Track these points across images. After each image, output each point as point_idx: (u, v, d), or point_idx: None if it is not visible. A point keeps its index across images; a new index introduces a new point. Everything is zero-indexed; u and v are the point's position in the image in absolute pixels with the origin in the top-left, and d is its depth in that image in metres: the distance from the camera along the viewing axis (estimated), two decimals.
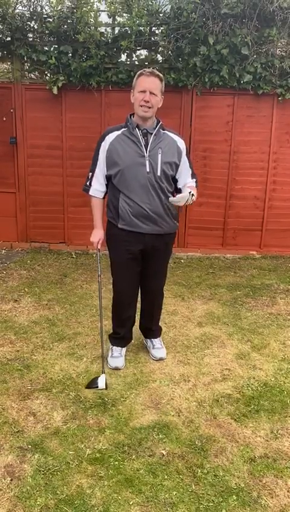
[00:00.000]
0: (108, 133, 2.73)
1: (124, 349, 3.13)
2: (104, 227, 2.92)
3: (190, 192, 2.61)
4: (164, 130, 2.75)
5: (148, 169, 2.67)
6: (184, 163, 2.80)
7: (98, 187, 2.82)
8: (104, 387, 2.74)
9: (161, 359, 3.11)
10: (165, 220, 2.79)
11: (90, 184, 2.82)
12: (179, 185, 2.85)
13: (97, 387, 2.74)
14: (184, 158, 2.80)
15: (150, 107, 2.61)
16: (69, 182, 5.43)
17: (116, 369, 2.99)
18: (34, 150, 5.39)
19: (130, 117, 2.73)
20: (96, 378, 2.80)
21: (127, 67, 5.01)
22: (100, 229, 2.88)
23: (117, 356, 3.06)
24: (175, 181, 2.83)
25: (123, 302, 3.00)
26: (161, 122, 2.75)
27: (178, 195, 2.64)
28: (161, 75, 2.66)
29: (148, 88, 2.59)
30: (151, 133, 2.69)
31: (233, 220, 5.56)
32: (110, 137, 2.70)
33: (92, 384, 2.77)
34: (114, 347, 3.11)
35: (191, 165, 2.86)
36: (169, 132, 2.78)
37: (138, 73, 2.67)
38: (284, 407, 2.64)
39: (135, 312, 3.12)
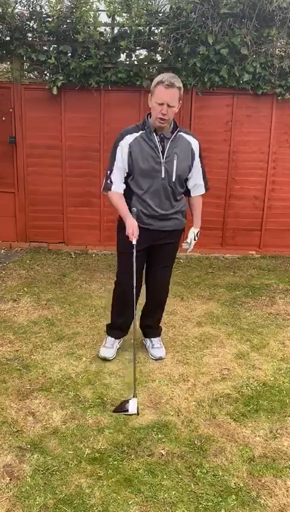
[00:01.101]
0: (127, 134, 2.73)
1: (116, 342, 3.18)
2: (116, 220, 2.95)
3: (194, 233, 2.97)
4: (180, 132, 2.76)
5: (163, 175, 2.72)
6: (197, 164, 2.85)
7: (118, 184, 2.79)
8: (136, 412, 2.50)
9: (160, 358, 3.12)
10: (175, 217, 2.87)
11: (111, 182, 2.78)
12: (189, 186, 2.90)
13: (127, 411, 2.51)
14: (197, 159, 2.83)
15: (166, 120, 2.62)
16: (69, 181, 5.43)
17: (104, 359, 3.06)
18: (33, 150, 5.39)
19: (148, 118, 2.73)
20: (126, 401, 2.57)
21: (126, 67, 5.00)
22: (131, 218, 2.73)
23: (109, 347, 3.13)
24: (186, 181, 2.87)
25: (125, 292, 3.00)
26: (177, 126, 2.75)
27: (186, 242, 2.96)
28: (180, 84, 2.59)
29: (167, 101, 2.56)
30: (168, 138, 2.70)
31: (232, 220, 5.56)
32: (129, 139, 2.71)
33: (121, 408, 2.54)
34: (108, 337, 3.19)
35: (203, 165, 2.89)
36: (184, 134, 2.79)
37: (157, 80, 2.59)
38: (283, 406, 2.64)
39: (134, 308, 3.09)
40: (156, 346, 3.19)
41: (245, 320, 3.78)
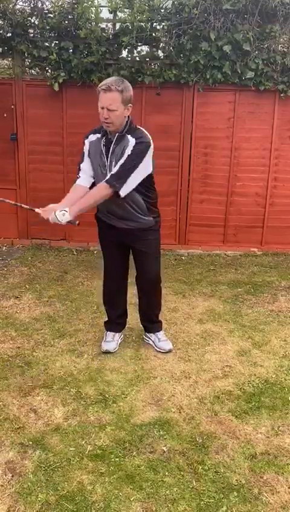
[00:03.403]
0: (91, 133, 2.86)
1: (117, 335, 3.24)
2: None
3: (55, 213, 2.73)
4: (127, 133, 2.70)
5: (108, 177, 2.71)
6: (123, 158, 2.68)
7: (84, 178, 2.87)
8: None
9: (169, 351, 3.15)
10: (132, 219, 2.86)
11: (79, 171, 2.89)
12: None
13: None
14: (125, 155, 2.67)
15: (110, 123, 2.65)
16: (70, 178, 5.38)
17: (107, 352, 3.11)
18: (34, 147, 5.38)
19: None
20: None
21: (128, 64, 4.98)
22: (57, 205, 2.80)
23: (109, 341, 3.19)
24: None
25: (109, 286, 3.21)
26: (129, 125, 2.70)
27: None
28: (118, 87, 2.57)
29: (105, 105, 2.61)
30: (112, 141, 2.73)
31: (234, 217, 5.54)
32: (91, 138, 2.84)
33: None
34: (107, 332, 3.25)
35: (125, 162, 2.66)
36: (128, 134, 2.70)
37: (99, 85, 2.66)
38: (285, 404, 2.64)
39: (125, 299, 3.25)
40: (163, 339, 3.22)
41: (247, 317, 3.78)
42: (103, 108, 2.62)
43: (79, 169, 2.89)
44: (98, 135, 2.80)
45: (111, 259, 3.12)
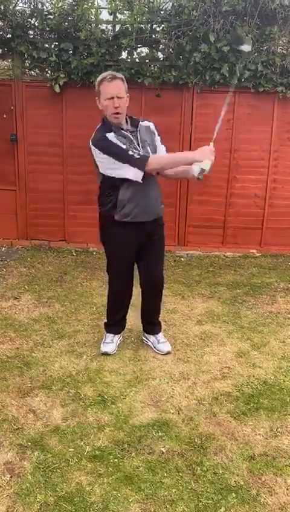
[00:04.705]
0: (104, 133, 2.71)
1: (116, 336, 3.24)
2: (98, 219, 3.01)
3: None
4: (138, 121, 2.85)
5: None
6: (158, 141, 2.93)
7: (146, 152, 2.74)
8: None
9: (168, 353, 3.15)
10: (157, 204, 2.91)
11: (139, 154, 2.65)
12: None
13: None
14: (157, 137, 2.92)
15: (120, 113, 2.69)
16: (70, 179, 5.42)
17: (105, 354, 3.10)
18: (34, 148, 5.38)
19: (106, 120, 2.79)
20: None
21: (128, 65, 4.98)
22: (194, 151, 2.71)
23: (109, 342, 3.19)
24: None
25: (118, 293, 3.17)
26: (133, 117, 2.85)
27: (197, 165, 2.59)
28: (121, 75, 2.73)
29: (114, 93, 2.64)
30: (134, 131, 2.78)
31: (233, 218, 5.55)
32: (110, 135, 2.70)
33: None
34: (107, 334, 3.25)
35: (162, 141, 2.96)
36: (142, 122, 2.87)
37: (98, 80, 2.71)
38: (284, 405, 2.64)
39: (129, 302, 3.22)
40: (162, 341, 3.22)
41: (246, 318, 3.78)
42: (112, 98, 2.64)
43: (132, 153, 2.64)
44: (110, 133, 2.69)
45: (123, 278, 3.05)
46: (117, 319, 3.23)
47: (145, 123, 2.89)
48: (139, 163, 2.64)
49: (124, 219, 2.79)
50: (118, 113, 2.68)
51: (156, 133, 2.93)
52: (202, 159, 2.59)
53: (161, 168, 2.79)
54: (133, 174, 2.66)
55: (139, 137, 2.78)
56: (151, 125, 2.92)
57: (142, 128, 2.85)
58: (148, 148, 2.79)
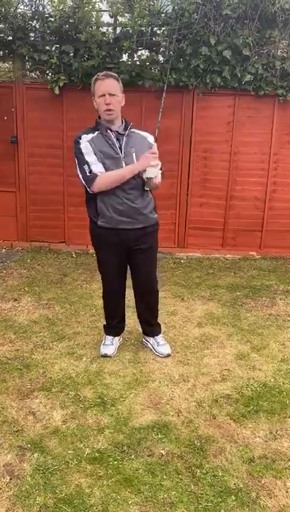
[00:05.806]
0: (82, 134, 2.77)
1: (116, 339, 3.24)
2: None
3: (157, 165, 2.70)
4: (133, 129, 2.84)
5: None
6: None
7: (97, 167, 2.72)
8: None
9: (168, 355, 3.14)
10: (142, 214, 2.85)
11: (90, 172, 2.70)
12: None
13: None
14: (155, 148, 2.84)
15: (112, 109, 2.69)
16: (70, 181, 5.42)
17: (105, 356, 3.11)
18: (34, 150, 5.39)
19: (99, 119, 2.81)
20: None
21: (128, 68, 5.00)
22: (130, 165, 2.73)
23: (108, 344, 3.20)
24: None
25: (111, 299, 3.18)
26: (130, 123, 2.83)
27: (148, 169, 2.70)
28: (115, 75, 2.75)
29: (107, 91, 2.66)
30: (123, 134, 2.77)
31: (233, 221, 5.56)
32: (87, 138, 2.75)
33: None
34: (107, 336, 3.26)
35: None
36: (137, 130, 2.87)
37: (93, 79, 2.74)
38: (284, 408, 2.64)
39: (124, 308, 3.23)
40: (162, 343, 3.22)
41: (246, 321, 3.79)
42: (103, 95, 2.67)
43: (87, 169, 2.71)
44: (92, 135, 2.74)
45: (112, 278, 3.06)
46: (115, 320, 3.23)
47: (143, 133, 2.89)
48: (87, 179, 2.73)
49: (106, 225, 2.82)
50: (109, 110, 2.69)
51: (155, 146, 2.81)
52: (144, 168, 2.70)
53: (108, 187, 2.72)
54: (84, 183, 2.77)
55: (124, 142, 2.76)
56: (150, 138, 2.90)
57: (135, 136, 2.83)
58: (133, 154, 2.73)
